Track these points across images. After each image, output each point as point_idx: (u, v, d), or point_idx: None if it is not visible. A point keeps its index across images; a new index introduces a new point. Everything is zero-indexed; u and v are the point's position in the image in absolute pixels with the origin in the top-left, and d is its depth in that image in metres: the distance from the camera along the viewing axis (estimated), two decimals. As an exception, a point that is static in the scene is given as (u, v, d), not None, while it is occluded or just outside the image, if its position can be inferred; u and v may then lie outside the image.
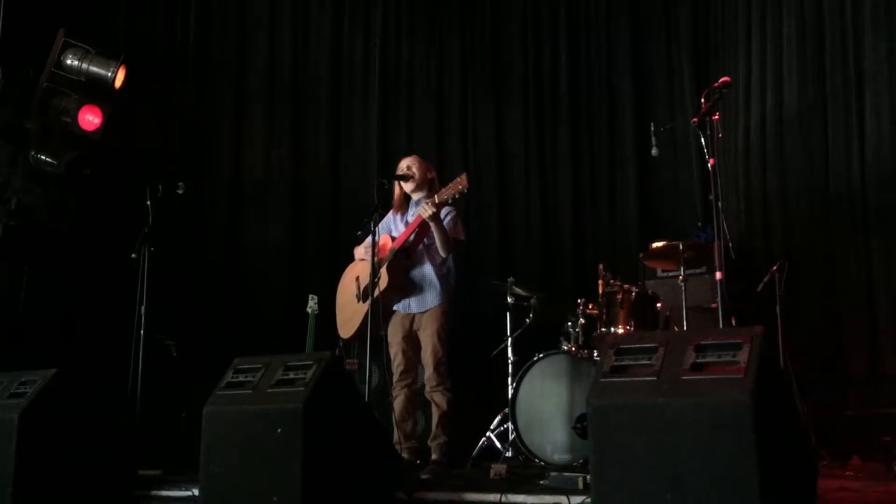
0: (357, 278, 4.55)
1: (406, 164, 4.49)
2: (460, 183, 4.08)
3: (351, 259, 4.70)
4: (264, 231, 6.41)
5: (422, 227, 4.32)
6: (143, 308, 4.55)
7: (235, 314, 6.15)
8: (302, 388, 3.14)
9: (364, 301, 4.40)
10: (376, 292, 4.19)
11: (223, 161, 6.40)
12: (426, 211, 4.15)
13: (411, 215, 4.44)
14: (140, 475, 4.05)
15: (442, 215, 4.33)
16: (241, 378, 3.39)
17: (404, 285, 4.38)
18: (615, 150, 6.96)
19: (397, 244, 4.35)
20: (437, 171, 4.60)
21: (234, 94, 6.52)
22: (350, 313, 4.54)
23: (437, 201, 4.16)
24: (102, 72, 5.07)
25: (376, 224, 4.16)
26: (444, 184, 4.23)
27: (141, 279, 4.59)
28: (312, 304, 5.68)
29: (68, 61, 5.06)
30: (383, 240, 4.42)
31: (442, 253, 4.32)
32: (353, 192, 6.64)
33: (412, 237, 4.36)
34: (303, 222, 6.56)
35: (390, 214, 4.59)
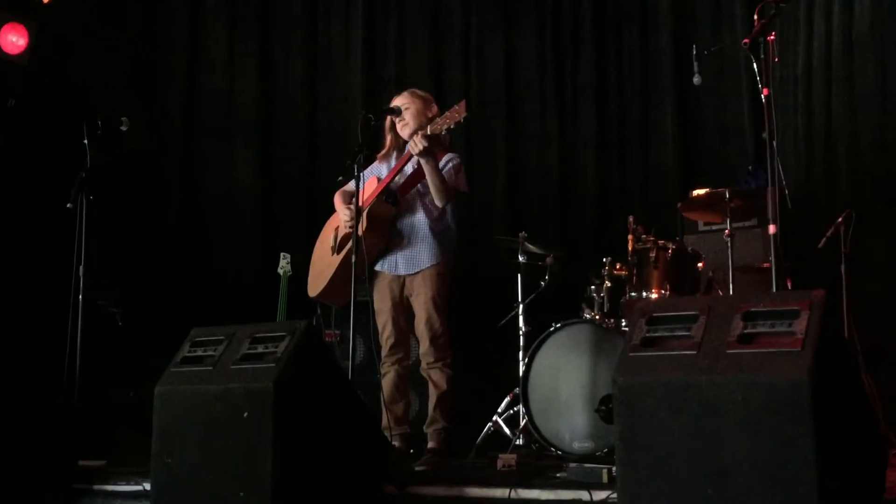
0: (336, 229, 4.53)
1: (400, 104, 4.43)
2: (458, 112, 4.02)
3: (331, 210, 4.68)
4: (227, 177, 6.40)
5: (415, 172, 4.29)
6: (81, 269, 4.53)
7: (193, 276, 6.16)
8: (272, 365, 3.13)
9: (340, 252, 4.39)
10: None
11: (176, 91, 6.36)
12: (416, 146, 4.11)
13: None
14: (81, 466, 4.07)
15: (441, 163, 4.30)
16: (200, 352, 3.39)
17: (389, 234, 4.35)
18: (648, 78, 6.90)
19: (382, 185, 4.32)
20: (439, 110, 4.54)
21: (190, 9, 6.45)
22: (322, 267, 4.53)
23: (429, 133, 4.12)
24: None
25: (361, 168, 4.12)
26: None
27: (78, 234, 4.57)
28: (284, 263, 5.68)
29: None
30: (369, 184, 4.39)
31: (437, 202, 4.29)
32: (333, 130, 6.61)
33: (400, 179, 4.33)
34: (273, 166, 6.55)
35: (377, 163, 4.55)
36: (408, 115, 4.39)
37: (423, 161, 4.18)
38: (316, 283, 4.55)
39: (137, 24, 6.25)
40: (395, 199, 4.35)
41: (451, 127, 4.08)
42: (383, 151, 4.54)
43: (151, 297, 5.83)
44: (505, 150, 6.88)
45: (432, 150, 4.16)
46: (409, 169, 4.34)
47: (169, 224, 6.17)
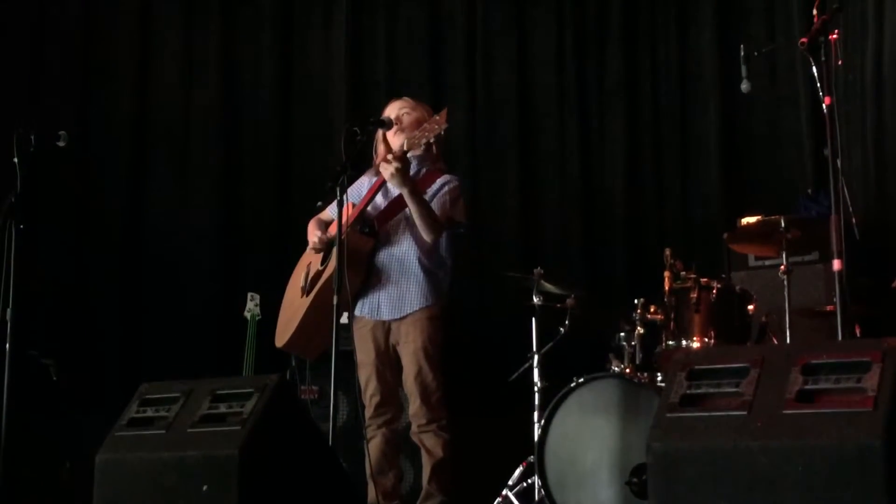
0: (309, 265, 4.54)
1: (395, 111, 4.45)
2: (437, 123, 4.01)
3: (305, 242, 4.69)
4: (182, 200, 6.41)
5: (399, 196, 4.27)
6: (8, 311, 4.54)
7: (142, 321, 6.16)
8: (238, 428, 3.14)
9: (310, 292, 4.39)
10: (325, 275, 4.16)
11: (122, 96, 6.39)
12: (386, 168, 4.10)
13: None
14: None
15: (435, 187, 4.32)
16: (151, 412, 3.39)
17: (366, 271, 4.33)
18: (688, 82, 6.95)
19: (355, 212, 4.30)
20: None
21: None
22: (290, 313, 4.54)
23: (405, 149, 4.11)
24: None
25: (344, 191, 4.13)
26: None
27: (6, 271, 4.59)
28: (252, 305, 5.69)
29: None
30: (348, 207, 4.38)
31: (425, 236, 4.29)
32: (311, 144, 6.62)
33: (381, 202, 4.31)
34: (238, 188, 6.56)
35: (366, 177, 4.56)
36: (406, 120, 4.38)
37: (399, 189, 4.17)
38: (283, 332, 4.54)
39: (77, 16, 6.28)
40: (371, 228, 4.33)
41: (431, 142, 4.07)
42: (376, 161, 4.52)
43: (92, 346, 5.82)
44: (517, 170, 6.90)
45: (407, 172, 4.12)
46: (393, 191, 4.35)
47: (113, 258, 6.17)
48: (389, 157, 4.11)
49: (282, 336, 4.55)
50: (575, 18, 7.05)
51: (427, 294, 4.34)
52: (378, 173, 4.40)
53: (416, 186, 4.19)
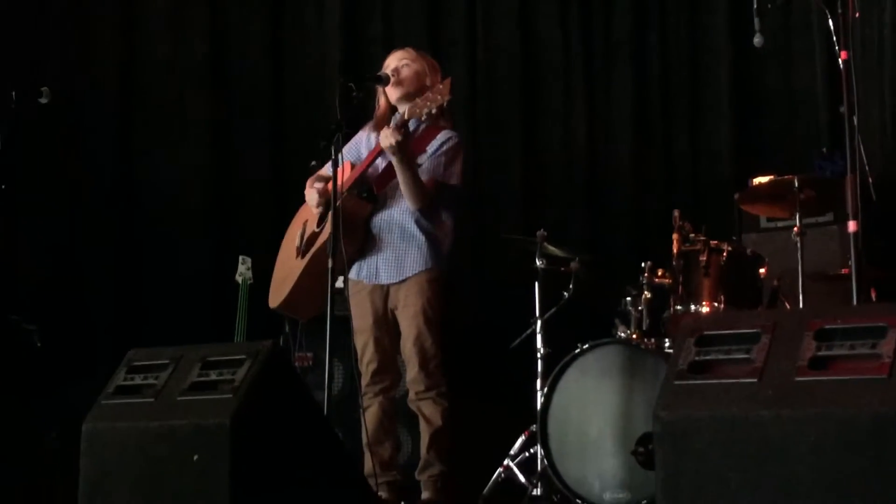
0: (305, 223, 4.54)
1: (395, 62, 4.43)
2: (440, 93, 4.03)
3: (299, 203, 4.69)
4: (172, 159, 6.39)
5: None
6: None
7: (130, 284, 6.16)
8: (229, 396, 3.13)
9: (306, 254, 4.39)
10: (321, 238, 4.17)
11: (107, 51, 6.36)
12: (386, 139, 4.09)
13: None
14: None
15: (435, 144, 4.30)
16: (139, 380, 3.38)
17: (363, 236, 4.35)
18: (698, 38, 6.93)
19: (353, 175, 4.31)
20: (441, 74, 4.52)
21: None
22: (285, 272, 4.54)
23: (405, 119, 4.11)
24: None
25: (339, 149, 4.13)
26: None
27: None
28: (244, 269, 5.69)
29: None
30: (346, 167, 4.38)
31: (409, 204, 4.29)
32: (304, 100, 6.60)
33: (378, 165, 4.32)
34: (228, 148, 6.54)
35: (364, 133, 4.55)
36: (405, 72, 4.38)
37: (393, 159, 4.17)
38: (277, 292, 4.57)
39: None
40: (370, 192, 4.33)
41: (433, 112, 4.06)
42: (377, 114, 4.51)
43: (77, 310, 5.82)
44: (520, 130, 6.89)
45: (405, 146, 4.13)
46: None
47: (100, 220, 6.16)
48: (390, 128, 4.09)
49: (275, 296, 4.57)
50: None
51: (427, 257, 4.35)
52: (376, 130, 4.41)
53: (408, 155, 4.18)
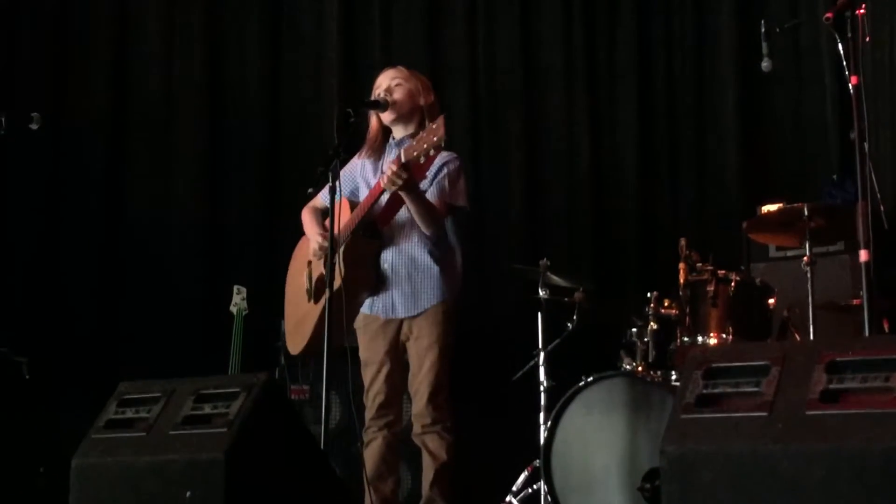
0: (309, 264, 4.54)
1: (387, 81, 4.44)
2: (434, 133, 3.93)
3: (298, 231, 4.69)
4: (164, 186, 6.40)
5: (396, 194, 4.25)
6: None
7: (122, 315, 6.15)
8: (223, 430, 3.13)
9: (318, 301, 4.39)
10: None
11: (99, 74, 6.38)
12: (391, 184, 4.04)
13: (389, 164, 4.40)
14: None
15: (434, 167, 4.30)
16: (130, 413, 3.38)
17: (374, 278, 4.36)
18: (705, 63, 6.95)
19: (356, 217, 4.30)
20: (436, 94, 4.53)
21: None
22: (299, 317, 4.54)
23: (402, 163, 4.05)
24: None
25: (336, 176, 4.13)
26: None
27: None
28: (238, 299, 5.69)
29: None
30: (343, 206, 4.37)
31: (424, 231, 4.29)
32: (301, 126, 6.62)
33: (379, 205, 4.31)
34: (222, 172, 6.55)
35: (358, 159, 4.56)
36: (398, 93, 4.38)
37: (401, 194, 4.14)
38: (296, 339, 4.57)
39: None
40: (374, 231, 4.34)
41: (430, 154, 4.02)
42: (369, 137, 4.51)
43: (67, 342, 5.82)
44: (522, 155, 6.91)
45: (411, 183, 4.10)
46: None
47: (90, 248, 6.17)
48: (391, 171, 4.05)
49: (296, 343, 4.57)
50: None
51: (442, 289, 4.37)
52: (371, 156, 4.46)
53: (413, 191, 4.17)
